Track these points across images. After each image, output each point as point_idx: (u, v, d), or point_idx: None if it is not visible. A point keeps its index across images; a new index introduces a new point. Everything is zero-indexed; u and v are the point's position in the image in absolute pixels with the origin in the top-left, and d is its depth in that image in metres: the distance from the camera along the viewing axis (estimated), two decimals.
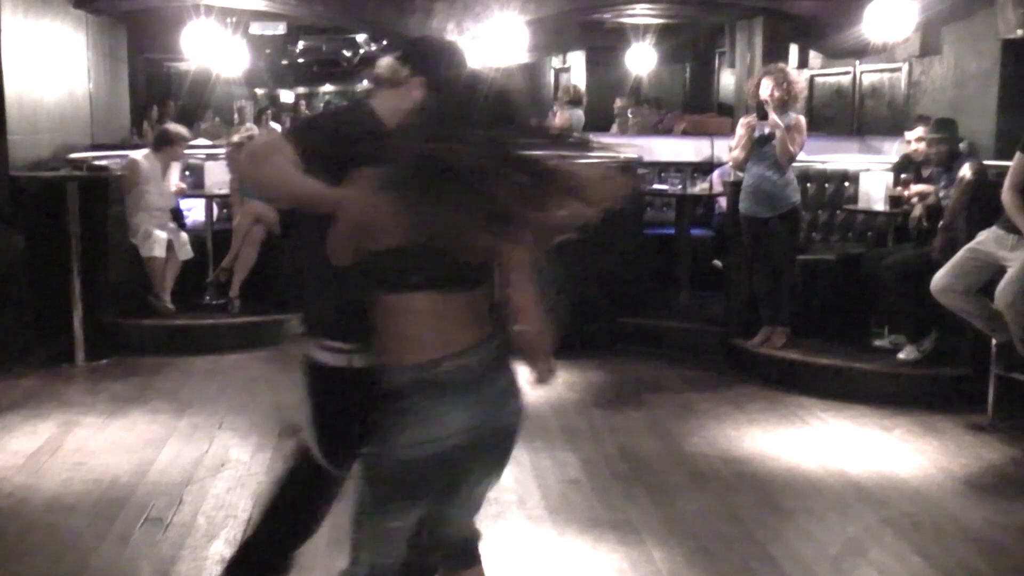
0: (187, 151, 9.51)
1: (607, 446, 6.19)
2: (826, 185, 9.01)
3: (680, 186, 9.58)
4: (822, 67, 13.61)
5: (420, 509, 2.97)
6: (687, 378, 7.79)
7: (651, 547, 4.72)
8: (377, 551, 3.03)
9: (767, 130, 7.59)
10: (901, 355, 7.41)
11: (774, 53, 11.32)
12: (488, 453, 2.97)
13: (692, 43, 16.60)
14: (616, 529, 4.90)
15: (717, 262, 9.27)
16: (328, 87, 22.19)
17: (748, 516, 5.18)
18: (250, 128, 9.71)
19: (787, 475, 5.78)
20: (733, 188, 8.20)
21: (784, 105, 7.54)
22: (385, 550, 3.03)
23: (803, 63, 13.67)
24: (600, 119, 14.15)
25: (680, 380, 7.74)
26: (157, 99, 14.94)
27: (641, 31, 14.92)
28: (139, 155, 8.97)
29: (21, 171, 8.50)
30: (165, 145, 9.03)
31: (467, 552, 3.23)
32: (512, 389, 2.98)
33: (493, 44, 11.01)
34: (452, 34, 10.77)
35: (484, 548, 3.09)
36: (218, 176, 9.36)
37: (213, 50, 12.05)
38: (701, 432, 6.49)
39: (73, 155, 9.34)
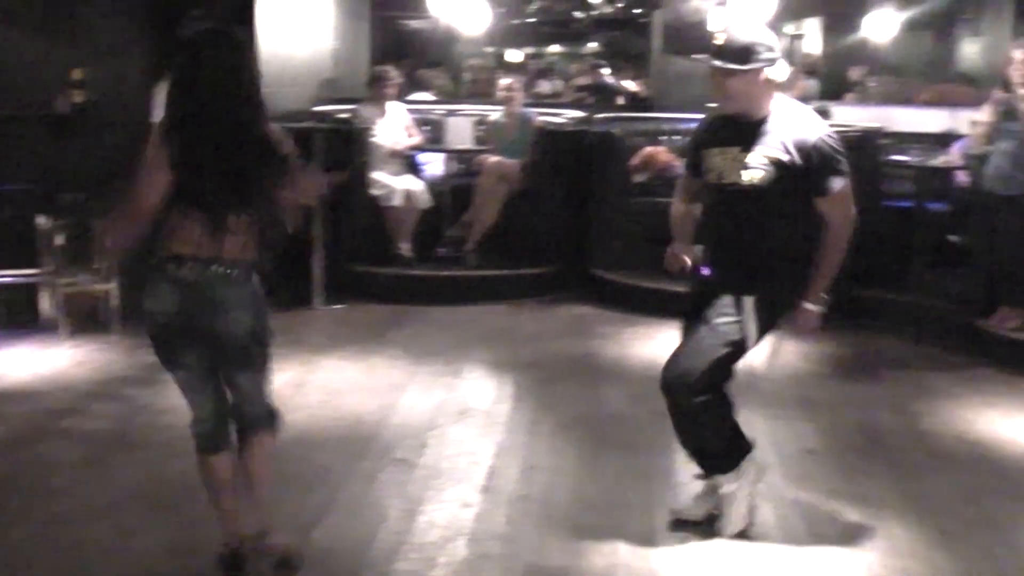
0: (415, 102, 9.74)
1: (844, 419, 6.13)
2: None
3: (920, 158, 9.32)
4: None
5: (180, 371, 3.85)
6: (923, 355, 7.62)
7: (892, 524, 4.67)
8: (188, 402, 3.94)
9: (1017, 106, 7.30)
10: None
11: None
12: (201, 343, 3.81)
13: (932, 10, 16.01)
14: (855, 503, 4.86)
15: (954, 237, 8.99)
16: (555, 47, 22.28)
17: (990, 501, 5.05)
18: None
19: None
20: (975, 162, 7.94)
21: None
22: (191, 400, 3.93)
23: None
24: (835, 88, 13.82)
25: (916, 357, 7.58)
26: (393, 58, 15.29)
27: None
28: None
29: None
30: (373, 86, 9.41)
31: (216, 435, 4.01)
32: (229, 303, 3.82)
33: (738, 10, 10.90)
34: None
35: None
36: (457, 132, 9.61)
37: (455, 8, 12.30)
38: (939, 412, 6.36)
39: (317, 108, 9.72)
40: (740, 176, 4.23)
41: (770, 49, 4.18)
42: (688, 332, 4.47)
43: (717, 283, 4.36)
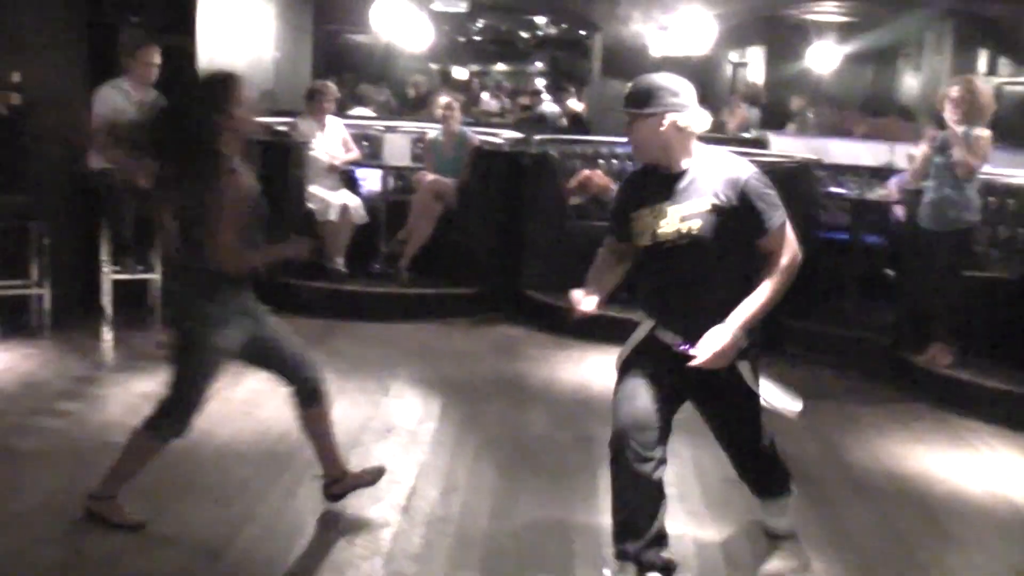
0: (354, 117, 9.70)
1: None
2: (1009, 200, 8.67)
3: (857, 190, 9.39)
4: (1011, 75, 13.19)
5: None
6: (852, 388, 7.64)
7: (811, 556, 4.64)
8: None
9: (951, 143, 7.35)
10: None
11: (964, 57, 10.97)
12: None
13: (876, 44, 16.25)
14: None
15: (888, 271, 9.06)
16: (500, 66, 22.38)
17: (911, 536, 5.06)
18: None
19: (951, 498, 5.62)
20: (911, 197, 7.99)
21: (969, 118, 7.29)
22: None
23: (991, 70, 13.29)
24: (776, 117, 13.93)
25: (844, 389, 7.60)
26: (335, 71, 15.24)
27: (824, 29, 14.68)
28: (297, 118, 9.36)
29: None
30: (312, 100, 9.37)
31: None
32: None
33: (681, 35, 10.96)
34: (639, 23, 10.78)
35: None
36: (395, 148, 9.57)
37: (397, 25, 12.27)
38: (865, 445, 6.37)
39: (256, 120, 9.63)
40: (675, 231, 3.99)
41: (676, 95, 3.98)
42: (638, 385, 4.13)
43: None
